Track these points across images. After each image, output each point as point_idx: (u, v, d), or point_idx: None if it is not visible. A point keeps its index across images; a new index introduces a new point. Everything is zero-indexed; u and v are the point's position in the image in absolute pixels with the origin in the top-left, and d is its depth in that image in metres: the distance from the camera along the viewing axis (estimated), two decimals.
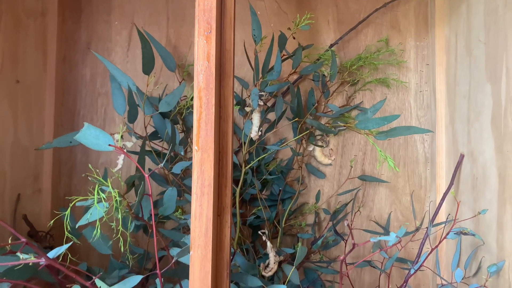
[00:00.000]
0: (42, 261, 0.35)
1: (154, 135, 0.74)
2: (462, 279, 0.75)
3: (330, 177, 0.89)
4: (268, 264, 0.76)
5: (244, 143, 0.78)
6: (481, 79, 0.72)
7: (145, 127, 0.66)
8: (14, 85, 0.77)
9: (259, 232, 0.78)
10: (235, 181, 0.75)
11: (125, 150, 0.60)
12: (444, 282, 0.78)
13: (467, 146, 0.77)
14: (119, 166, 0.54)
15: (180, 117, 0.74)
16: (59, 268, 0.36)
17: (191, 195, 0.75)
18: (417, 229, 0.80)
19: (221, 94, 0.44)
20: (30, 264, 0.39)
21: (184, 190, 0.76)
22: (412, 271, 0.68)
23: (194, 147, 0.42)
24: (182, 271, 0.53)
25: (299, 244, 0.53)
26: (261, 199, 0.84)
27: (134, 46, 0.91)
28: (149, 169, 0.75)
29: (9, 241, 0.36)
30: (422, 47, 0.89)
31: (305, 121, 0.73)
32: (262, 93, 0.65)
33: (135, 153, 0.69)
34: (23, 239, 0.33)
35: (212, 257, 0.41)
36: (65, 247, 0.40)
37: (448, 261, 0.81)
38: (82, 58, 0.90)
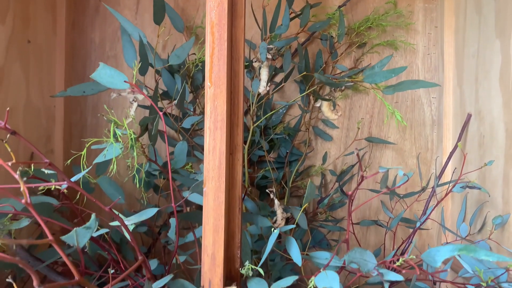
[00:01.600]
0: (64, 183, 0.36)
1: (164, 96, 0.75)
2: (467, 235, 0.76)
3: (337, 140, 0.90)
4: (276, 220, 0.77)
5: (252, 103, 0.78)
6: (490, 36, 0.72)
7: (155, 80, 0.67)
8: (25, 45, 0.78)
9: (267, 190, 0.79)
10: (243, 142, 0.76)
11: (136, 103, 0.61)
12: (449, 239, 0.80)
13: (474, 106, 0.77)
14: (133, 111, 0.55)
15: (188, 75, 0.75)
16: (79, 190, 0.37)
17: (200, 152, 0.76)
18: (423, 189, 0.81)
19: (232, 35, 0.45)
20: (52, 188, 0.40)
21: (193, 147, 0.77)
22: (418, 224, 0.69)
23: (207, 83, 0.43)
24: (194, 216, 0.55)
25: (309, 180, 0.54)
26: (268, 161, 0.85)
27: (143, 10, 0.91)
28: (161, 109, 0.76)
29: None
30: (431, 9, 0.88)
31: (313, 75, 0.74)
32: (271, 46, 0.65)
33: (146, 107, 0.71)
34: (46, 160, 0.35)
35: (225, 191, 0.42)
36: (85, 171, 0.41)
37: (454, 220, 0.82)
38: (91, 22, 0.91)
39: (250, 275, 0.42)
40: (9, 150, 0.31)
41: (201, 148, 0.76)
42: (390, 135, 0.90)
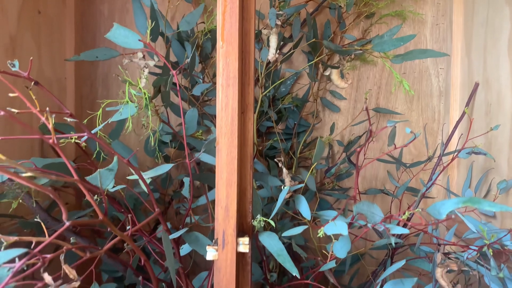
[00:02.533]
0: (85, 135, 0.38)
1: (174, 67, 0.76)
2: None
3: (344, 111, 0.91)
4: None
5: (261, 73, 0.79)
6: (500, 4, 0.72)
7: (166, 47, 0.68)
8: (36, 16, 0.79)
9: (275, 159, 0.80)
10: None
11: (147, 70, 0.63)
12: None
13: (482, 75, 0.78)
14: (144, 77, 0.56)
15: (197, 45, 0.75)
16: (98, 141, 0.38)
17: (210, 121, 0.78)
18: (429, 159, 0.82)
19: None
20: (73, 140, 0.42)
21: (203, 116, 0.79)
22: (424, 189, 0.71)
23: (219, 42, 0.43)
24: (206, 177, 0.56)
25: (318, 138, 0.55)
26: (277, 132, 0.86)
27: None
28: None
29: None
30: None
31: (322, 42, 0.74)
32: (280, 12, 0.66)
33: (157, 74, 0.72)
34: (67, 110, 0.36)
35: (237, 148, 0.44)
36: (101, 125, 0.43)
37: (459, 188, 0.84)
38: None
39: (262, 226, 0.44)
40: (34, 97, 0.33)
41: (211, 117, 0.78)
42: (398, 106, 0.90)
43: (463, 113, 0.77)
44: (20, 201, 0.50)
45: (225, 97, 0.43)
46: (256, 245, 0.60)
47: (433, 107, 0.90)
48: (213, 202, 0.64)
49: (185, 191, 0.50)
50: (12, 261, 0.29)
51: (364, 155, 0.82)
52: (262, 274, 0.60)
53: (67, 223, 0.31)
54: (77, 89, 0.91)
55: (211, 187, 0.65)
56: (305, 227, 0.43)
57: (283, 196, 0.46)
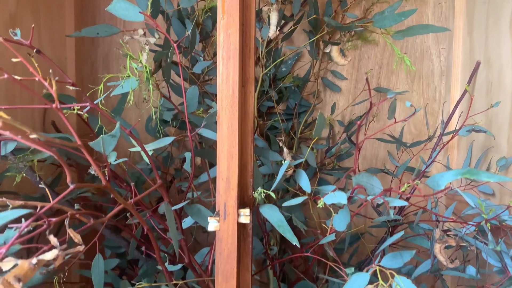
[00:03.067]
0: (87, 105, 0.38)
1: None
2: (471, 181, 0.78)
3: (345, 91, 0.91)
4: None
5: (262, 52, 0.79)
6: None
7: (166, 24, 0.68)
8: None
9: (276, 139, 0.81)
10: None
11: (148, 47, 0.62)
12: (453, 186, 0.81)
13: (484, 54, 0.77)
14: (145, 53, 0.56)
15: (197, 24, 0.75)
16: (100, 111, 0.39)
17: (211, 100, 0.78)
18: (429, 138, 0.82)
19: None
20: (75, 111, 0.42)
21: (204, 95, 0.79)
22: (424, 167, 0.71)
23: (220, 15, 0.43)
24: (207, 153, 0.57)
25: (319, 112, 0.55)
26: (279, 113, 0.86)
27: None
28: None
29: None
30: None
31: (323, 21, 0.74)
32: None
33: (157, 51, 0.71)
34: (69, 80, 0.36)
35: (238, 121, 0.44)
36: (104, 95, 0.43)
37: (459, 167, 0.84)
38: None
39: (263, 198, 0.44)
40: (36, 65, 0.33)
41: (211, 96, 0.78)
42: (399, 86, 0.90)
43: (464, 91, 0.77)
44: (24, 175, 0.51)
45: (225, 69, 0.43)
46: (257, 221, 0.60)
47: (434, 87, 0.90)
48: (214, 179, 0.65)
49: (187, 166, 0.51)
50: (18, 222, 0.30)
51: (365, 134, 0.82)
52: (263, 248, 0.61)
53: (72, 186, 0.31)
54: (77, 69, 0.91)
55: (212, 164, 0.65)
56: (305, 197, 0.44)
57: (283, 169, 0.46)
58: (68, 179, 0.30)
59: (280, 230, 0.43)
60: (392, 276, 0.45)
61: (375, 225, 0.79)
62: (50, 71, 0.30)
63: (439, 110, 0.90)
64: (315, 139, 0.52)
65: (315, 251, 0.56)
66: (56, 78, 0.29)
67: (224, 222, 0.45)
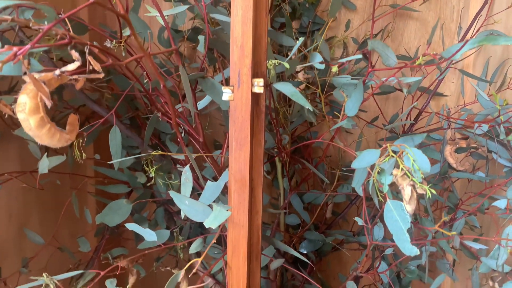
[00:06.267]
0: None
1: None
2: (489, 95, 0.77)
3: (360, 10, 0.89)
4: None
5: None
6: None
7: None
8: None
9: (289, 54, 0.80)
10: None
11: None
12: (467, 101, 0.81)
13: None
14: None
15: None
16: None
17: None
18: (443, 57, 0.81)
19: None
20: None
21: None
22: (437, 75, 0.70)
23: None
24: (221, 44, 0.57)
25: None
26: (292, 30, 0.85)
27: None
28: None
29: None
30: None
31: None
32: None
33: None
34: None
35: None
36: None
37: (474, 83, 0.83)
38: None
39: (275, 76, 0.45)
40: None
41: None
42: (415, 5, 0.88)
43: (485, 2, 0.75)
44: None
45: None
46: (269, 115, 0.61)
47: (453, 6, 0.87)
48: (227, 80, 0.65)
49: (200, 47, 0.51)
50: None
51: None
52: (274, 143, 0.62)
53: None
54: None
55: (225, 60, 0.65)
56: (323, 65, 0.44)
57: (297, 45, 0.46)
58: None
59: (293, 98, 0.44)
60: (403, 149, 0.45)
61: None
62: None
63: (455, 30, 0.88)
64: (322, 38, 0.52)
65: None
66: None
67: (238, 90, 0.45)
